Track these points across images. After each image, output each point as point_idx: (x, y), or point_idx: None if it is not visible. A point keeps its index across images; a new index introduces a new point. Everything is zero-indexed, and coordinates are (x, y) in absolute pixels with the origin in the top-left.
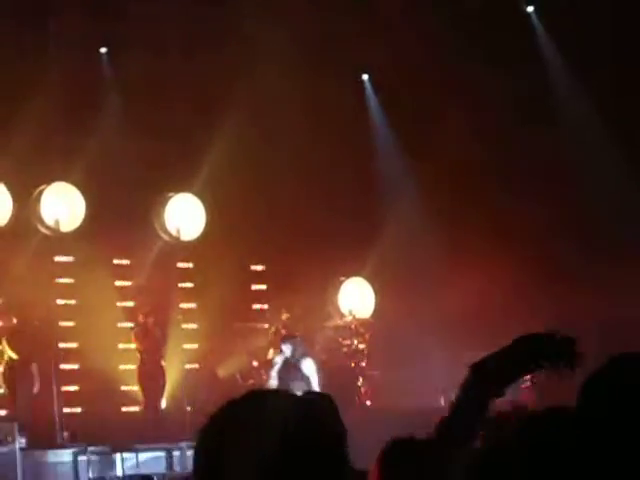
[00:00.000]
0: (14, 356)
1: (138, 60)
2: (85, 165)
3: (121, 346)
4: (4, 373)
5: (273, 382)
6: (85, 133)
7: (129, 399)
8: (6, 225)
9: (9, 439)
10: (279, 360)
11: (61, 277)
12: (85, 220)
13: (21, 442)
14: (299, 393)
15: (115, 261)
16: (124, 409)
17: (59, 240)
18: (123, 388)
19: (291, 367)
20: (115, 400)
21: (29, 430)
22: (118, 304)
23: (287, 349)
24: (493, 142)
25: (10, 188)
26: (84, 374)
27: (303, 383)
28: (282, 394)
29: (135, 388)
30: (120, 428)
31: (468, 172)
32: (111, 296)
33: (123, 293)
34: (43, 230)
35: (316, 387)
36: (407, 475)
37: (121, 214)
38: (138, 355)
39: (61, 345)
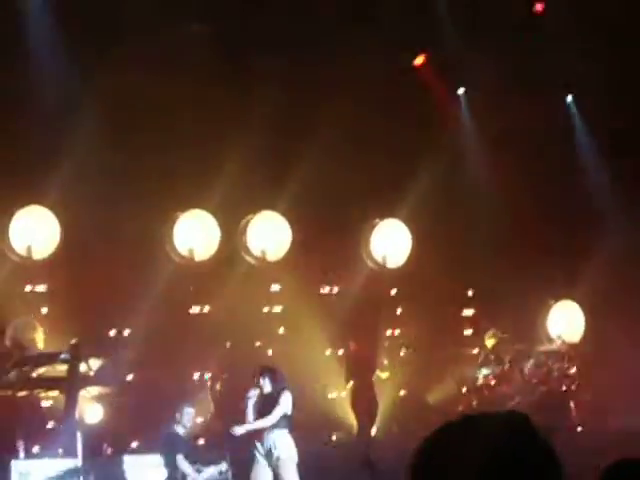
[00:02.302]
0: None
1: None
2: (291, 194)
3: (330, 375)
4: (214, 400)
5: (249, 416)
6: (290, 163)
7: (339, 426)
8: (214, 255)
9: None
10: (253, 395)
11: (270, 306)
12: (291, 248)
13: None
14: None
15: (322, 290)
16: (334, 437)
17: (266, 270)
18: (333, 416)
19: (267, 402)
20: (325, 428)
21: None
22: (326, 333)
23: (266, 384)
24: None
25: (218, 219)
26: (294, 402)
27: (283, 420)
28: (495, 416)
29: (345, 416)
30: (331, 456)
31: None
32: (318, 324)
33: (330, 321)
34: (249, 260)
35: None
36: None
37: (327, 241)
38: (348, 383)
39: None
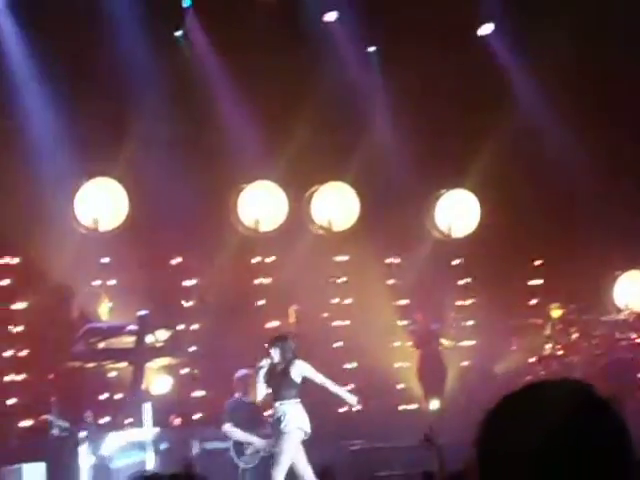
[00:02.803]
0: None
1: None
2: (358, 165)
3: (396, 344)
4: None
5: (260, 388)
6: (355, 133)
7: (405, 397)
8: (281, 226)
9: None
10: (265, 364)
11: (336, 277)
12: (358, 219)
13: None
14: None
15: (387, 260)
16: (401, 407)
17: (333, 240)
18: (399, 386)
19: (278, 373)
20: (391, 398)
21: None
22: (392, 302)
23: (275, 353)
24: None
25: (285, 190)
26: (360, 372)
27: (293, 391)
28: (560, 384)
29: (411, 386)
30: (397, 426)
31: None
32: (384, 294)
33: (396, 291)
34: (316, 230)
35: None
36: None
37: (393, 211)
38: (415, 353)
39: (336, 345)
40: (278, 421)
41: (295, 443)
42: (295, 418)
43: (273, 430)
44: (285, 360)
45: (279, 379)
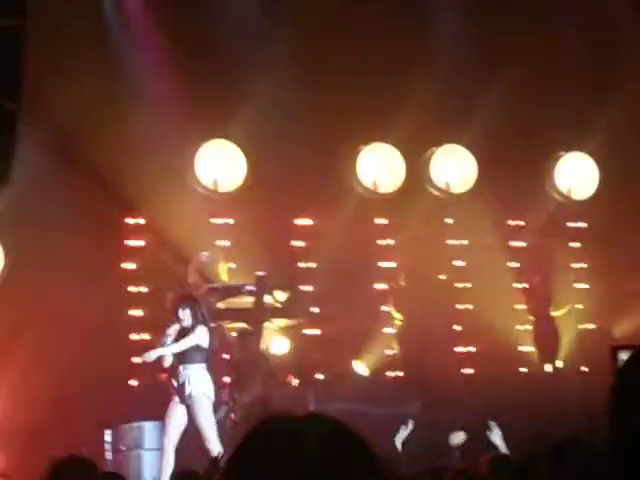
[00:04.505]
0: (399, 317)
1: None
2: (475, 127)
3: (516, 307)
4: (397, 334)
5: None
6: (472, 96)
7: (525, 360)
8: (399, 188)
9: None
10: (173, 332)
11: (451, 239)
12: (476, 182)
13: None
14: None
15: (510, 222)
16: (521, 369)
17: (449, 201)
18: (519, 349)
19: (184, 335)
20: (511, 361)
21: (427, 391)
22: (510, 265)
23: (185, 314)
24: None
25: (402, 151)
26: (480, 335)
27: (198, 355)
28: (310, 420)
29: (531, 349)
30: (516, 390)
31: None
32: (504, 257)
33: (514, 253)
34: (434, 192)
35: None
36: None
37: (512, 174)
38: (531, 316)
39: (458, 306)
40: (182, 387)
41: (206, 408)
42: (202, 382)
43: (178, 396)
44: (194, 322)
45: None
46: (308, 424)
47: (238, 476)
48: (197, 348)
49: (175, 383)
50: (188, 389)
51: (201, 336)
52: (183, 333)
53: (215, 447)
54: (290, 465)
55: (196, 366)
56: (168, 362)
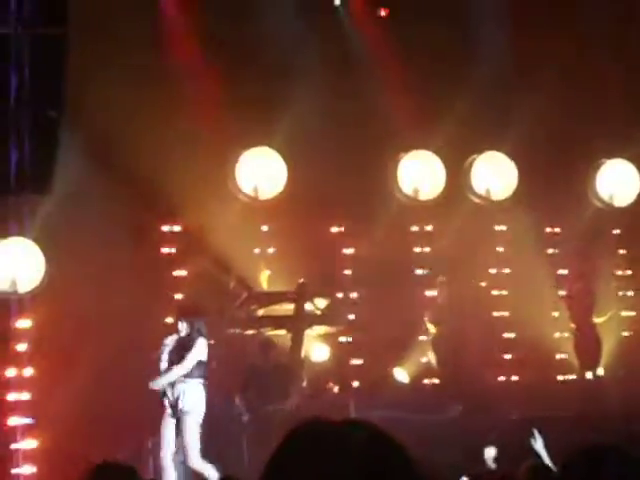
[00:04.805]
0: (438, 325)
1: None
2: (515, 134)
3: (555, 314)
4: (435, 342)
5: (163, 365)
6: (514, 103)
7: (565, 367)
8: (439, 195)
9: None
10: (170, 342)
11: (494, 245)
12: (517, 189)
13: (457, 409)
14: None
15: (547, 229)
16: (560, 377)
17: (493, 210)
18: (558, 356)
19: (182, 348)
20: (550, 369)
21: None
22: (551, 272)
23: (182, 326)
24: None
25: (442, 158)
26: (520, 342)
27: (195, 369)
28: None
29: (569, 357)
30: (556, 397)
31: None
32: (543, 264)
33: (554, 261)
34: (474, 199)
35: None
36: None
37: (553, 181)
38: (571, 323)
39: (495, 314)
40: (176, 401)
41: (197, 424)
42: (196, 398)
43: (171, 409)
44: (192, 335)
45: (183, 354)
46: (349, 429)
47: (279, 475)
48: (197, 362)
49: (170, 396)
50: (181, 403)
51: (201, 350)
52: (180, 343)
53: (196, 465)
54: (332, 467)
55: (194, 381)
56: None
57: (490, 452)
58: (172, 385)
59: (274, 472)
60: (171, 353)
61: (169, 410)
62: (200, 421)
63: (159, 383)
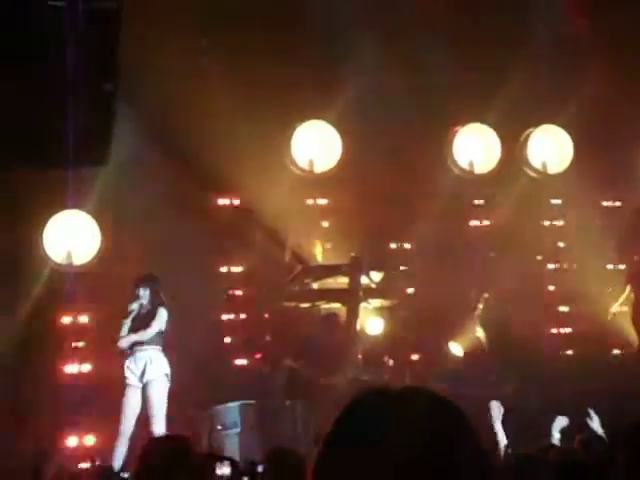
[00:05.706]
0: (492, 298)
1: None
2: (572, 107)
3: (611, 288)
4: (488, 315)
5: (123, 334)
6: (571, 76)
7: (621, 342)
8: (494, 168)
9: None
10: (135, 307)
11: (551, 219)
12: (573, 163)
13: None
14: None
15: (604, 203)
16: (615, 352)
17: (547, 182)
18: (614, 331)
19: (144, 316)
20: (606, 343)
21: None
22: (607, 246)
23: (144, 293)
24: None
25: (498, 132)
26: (575, 316)
27: (157, 337)
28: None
29: (627, 331)
30: (611, 372)
31: None
32: (600, 237)
33: (611, 234)
34: (530, 173)
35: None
36: None
37: (609, 153)
38: (632, 296)
39: (550, 287)
40: (143, 371)
41: (164, 388)
42: (161, 366)
43: (137, 376)
44: (154, 303)
45: (146, 322)
46: (411, 394)
47: (345, 441)
48: (158, 331)
49: (134, 364)
50: (150, 370)
51: (163, 319)
52: (144, 310)
53: (160, 428)
54: (397, 432)
55: (157, 348)
56: (127, 343)
57: (561, 422)
58: (132, 357)
59: (338, 439)
60: (134, 320)
61: (135, 382)
62: (168, 385)
63: (123, 343)
